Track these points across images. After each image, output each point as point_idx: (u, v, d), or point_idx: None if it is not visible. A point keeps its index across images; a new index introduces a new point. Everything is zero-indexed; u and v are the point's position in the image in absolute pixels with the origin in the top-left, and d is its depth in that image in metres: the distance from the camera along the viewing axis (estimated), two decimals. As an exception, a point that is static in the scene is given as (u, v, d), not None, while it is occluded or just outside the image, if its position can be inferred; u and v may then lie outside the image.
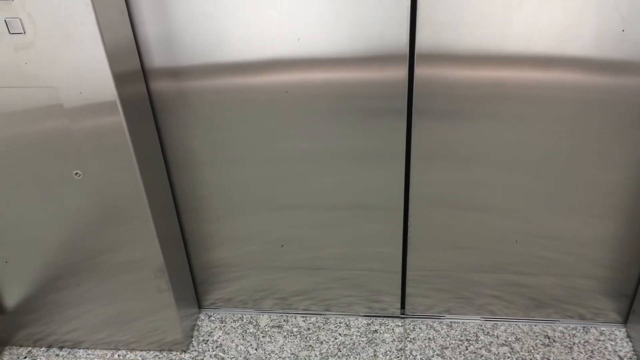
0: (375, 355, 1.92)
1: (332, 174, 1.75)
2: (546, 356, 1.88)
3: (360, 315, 2.08)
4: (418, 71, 1.54)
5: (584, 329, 1.98)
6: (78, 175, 1.59)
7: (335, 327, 2.04)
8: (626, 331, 1.96)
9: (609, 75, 1.51)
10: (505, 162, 1.68)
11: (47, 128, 1.52)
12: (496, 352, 1.91)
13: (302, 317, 2.09)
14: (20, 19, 1.34)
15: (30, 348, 2.02)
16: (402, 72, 1.55)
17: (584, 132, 1.61)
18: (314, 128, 1.67)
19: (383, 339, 1.98)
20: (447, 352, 1.92)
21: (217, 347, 1.99)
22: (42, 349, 2.01)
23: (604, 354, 1.89)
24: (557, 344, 1.92)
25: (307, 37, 1.51)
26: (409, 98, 1.59)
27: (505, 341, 1.94)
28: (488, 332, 1.98)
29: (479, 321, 2.03)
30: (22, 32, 1.36)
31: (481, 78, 1.54)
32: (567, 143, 1.63)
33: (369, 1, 1.45)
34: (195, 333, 2.05)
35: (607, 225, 1.78)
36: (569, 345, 1.91)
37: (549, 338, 1.95)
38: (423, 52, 1.51)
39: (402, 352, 1.93)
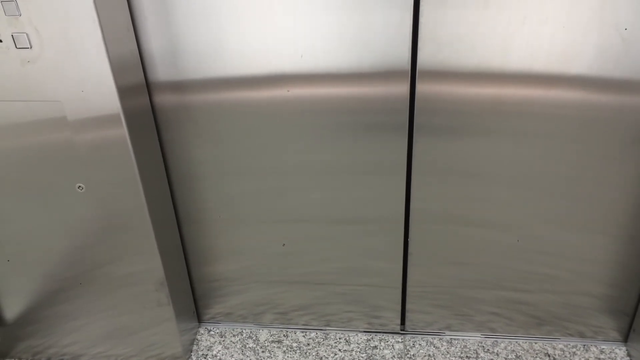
0: (375, 371, 1.92)
1: (333, 188, 1.76)
2: (546, 374, 1.88)
3: (360, 331, 2.07)
4: (420, 87, 1.55)
5: (584, 347, 1.97)
6: (81, 188, 1.60)
7: (335, 342, 2.04)
8: (626, 350, 1.96)
9: (610, 94, 1.52)
10: (506, 179, 1.69)
11: (51, 140, 1.53)
12: (496, 370, 1.91)
13: (302, 332, 2.09)
14: (27, 34, 1.36)
15: (29, 361, 2.02)
16: (404, 88, 1.56)
17: (585, 150, 1.62)
18: (315, 142, 1.68)
19: (383, 355, 1.97)
20: (447, 369, 1.91)
21: (216, 361, 1.99)
22: (41, 361, 2.01)
23: (604, 372, 1.89)
24: (558, 361, 1.92)
25: (310, 53, 1.53)
26: (410, 114, 1.60)
27: (506, 359, 1.93)
28: (488, 350, 1.97)
29: (479, 338, 2.02)
30: (29, 46, 1.38)
31: (482, 95, 1.56)
32: (568, 160, 1.64)
33: (372, 19, 1.47)
34: (195, 347, 2.05)
35: (607, 243, 1.78)
36: (570, 363, 1.91)
37: (549, 356, 1.94)
38: (425, 68, 1.52)
39: (402, 368, 1.92)
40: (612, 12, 1.41)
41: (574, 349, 1.96)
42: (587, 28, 1.44)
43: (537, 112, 1.57)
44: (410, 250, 1.86)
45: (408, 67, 1.52)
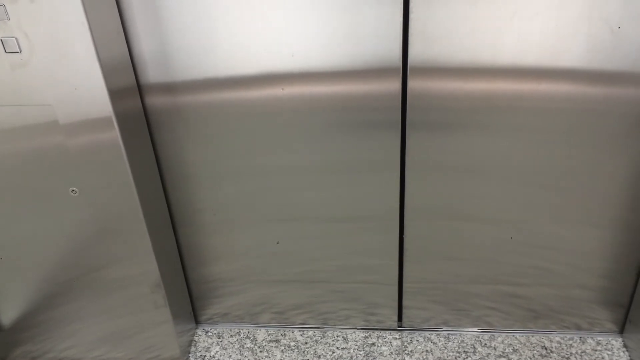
0: (373, 368, 1.92)
1: (327, 187, 1.76)
2: (544, 367, 1.89)
3: (358, 329, 2.08)
4: (411, 84, 1.56)
5: (580, 339, 1.98)
6: (74, 192, 1.59)
7: (333, 340, 2.04)
8: (623, 341, 1.96)
9: (601, 86, 1.53)
10: (500, 173, 1.69)
11: (43, 145, 1.52)
12: (494, 364, 1.91)
13: (300, 331, 2.09)
14: (16, 38, 1.35)
15: (26, 366, 2.01)
16: (395, 85, 1.56)
17: (577, 142, 1.62)
18: (308, 141, 1.68)
19: (381, 352, 1.97)
20: (445, 364, 1.92)
21: (214, 362, 1.99)
22: (39, 366, 2.01)
23: (601, 364, 1.89)
24: (555, 354, 1.92)
25: (301, 53, 1.53)
26: (402, 110, 1.60)
27: (503, 352, 1.94)
28: (485, 344, 1.98)
29: (476, 333, 2.03)
30: (19, 51, 1.37)
31: (474, 90, 1.56)
32: (561, 153, 1.65)
33: (362, 16, 1.47)
34: (193, 349, 2.04)
35: (601, 235, 1.79)
36: (566, 356, 1.91)
37: (546, 349, 1.95)
38: (416, 65, 1.52)
39: (399, 364, 1.93)
40: (601, 5, 1.41)
41: (571, 341, 1.97)
42: (577, 21, 1.44)
43: (528, 106, 1.57)
44: (405, 246, 1.87)
45: (399, 64, 1.53)
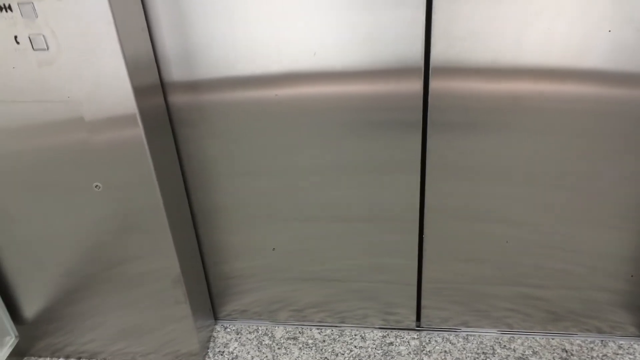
0: (390, 367, 1.92)
1: (348, 186, 1.76)
2: (564, 370, 1.87)
3: (376, 328, 2.08)
4: (433, 84, 1.55)
5: (602, 343, 1.96)
6: (98, 187, 1.62)
7: (351, 339, 2.04)
8: (645, 345, 1.95)
9: (625, 87, 1.51)
10: (521, 174, 1.68)
11: (68, 141, 1.55)
12: (513, 366, 1.90)
13: (318, 329, 2.09)
14: (43, 36, 1.38)
15: (48, 358, 2.04)
16: (417, 85, 1.56)
17: (600, 144, 1.61)
18: (330, 140, 1.68)
19: (399, 352, 1.97)
20: (463, 365, 1.91)
21: (232, 358, 2.00)
22: (60, 359, 2.03)
23: (622, 368, 1.87)
24: (575, 357, 1.90)
25: (323, 52, 1.53)
26: (424, 110, 1.60)
27: (522, 355, 1.93)
28: (505, 346, 1.97)
29: (495, 334, 2.02)
30: (46, 48, 1.39)
31: (496, 91, 1.55)
32: (583, 155, 1.63)
33: (384, 16, 1.47)
34: (211, 344, 2.06)
35: (624, 237, 1.77)
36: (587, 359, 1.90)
37: (566, 352, 1.93)
38: (438, 65, 1.52)
39: (417, 364, 1.92)
40: (626, 5, 1.40)
41: (592, 345, 1.95)
42: (601, 21, 1.43)
43: (551, 106, 1.56)
44: (425, 246, 1.86)
45: (421, 63, 1.52)
